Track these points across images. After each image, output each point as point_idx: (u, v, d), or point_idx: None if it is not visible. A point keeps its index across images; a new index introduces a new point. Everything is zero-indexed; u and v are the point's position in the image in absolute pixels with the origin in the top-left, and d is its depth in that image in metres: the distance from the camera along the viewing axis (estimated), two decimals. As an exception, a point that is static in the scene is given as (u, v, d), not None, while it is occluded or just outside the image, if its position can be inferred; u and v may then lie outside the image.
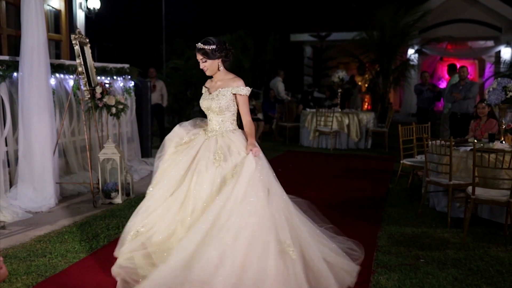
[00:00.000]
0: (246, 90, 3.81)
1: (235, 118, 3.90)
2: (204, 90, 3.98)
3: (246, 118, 3.83)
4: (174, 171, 3.72)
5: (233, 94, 3.80)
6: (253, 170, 3.53)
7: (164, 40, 17.38)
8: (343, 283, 3.55)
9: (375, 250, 4.46)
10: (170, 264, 3.29)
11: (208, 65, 3.82)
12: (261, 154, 3.74)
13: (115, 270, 3.59)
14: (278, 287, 3.26)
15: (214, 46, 3.76)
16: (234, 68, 15.73)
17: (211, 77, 4.00)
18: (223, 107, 3.78)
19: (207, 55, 3.77)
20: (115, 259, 3.91)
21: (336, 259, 3.71)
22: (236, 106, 3.84)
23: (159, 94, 11.23)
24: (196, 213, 3.55)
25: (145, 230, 3.65)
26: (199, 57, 3.82)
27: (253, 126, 3.86)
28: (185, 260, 3.28)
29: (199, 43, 3.80)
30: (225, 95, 3.78)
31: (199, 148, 3.75)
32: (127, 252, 3.61)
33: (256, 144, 3.74)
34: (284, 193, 3.75)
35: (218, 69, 3.86)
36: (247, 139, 3.79)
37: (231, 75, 3.89)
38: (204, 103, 3.85)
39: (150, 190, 3.77)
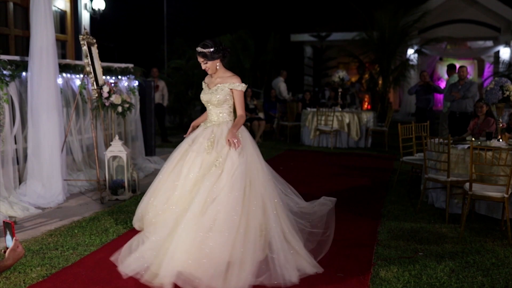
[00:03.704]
0: (241, 86, 4.22)
1: (232, 110, 4.28)
2: (204, 85, 4.38)
3: (239, 112, 4.23)
4: (176, 153, 4.23)
5: (230, 89, 4.19)
6: (234, 167, 3.90)
7: (166, 40, 17.53)
8: (303, 271, 3.82)
9: (375, 244, 4.61)
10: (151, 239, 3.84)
11: (209, 66, 4.21)
12: (248, 142, 4.14)
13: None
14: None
15: (212, 49, 4.13)
16: (235, 68, 15.88)
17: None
18: (221, 100, 4.17)
19: (207, 57, 4.16)
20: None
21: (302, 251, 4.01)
22: (232, 100, 4.23)
23: (160, 94, 11.38)
24: (184, 194, 3.96)
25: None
26: (200, 59, 4.21)
27: (243, 119, 4.22)
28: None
29: (199, 47, 4.17)
30: (223, 90, 4.19)
31: (195, 136, 4.20)
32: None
33: (236, 135, 4.03)
34: (269, 178, 4.16)
35: (217, 68, 4.24)
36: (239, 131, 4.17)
37: (229, 73, 4.28)
38: (204, 97, 4.27)
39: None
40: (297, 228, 4.20)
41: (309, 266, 3.88)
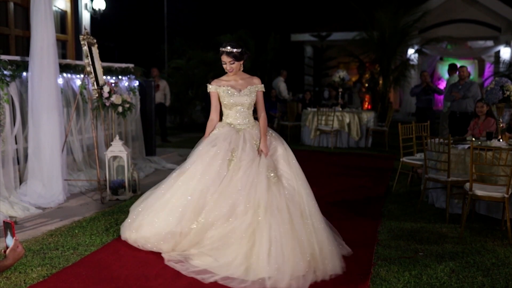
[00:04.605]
0: (263, 87, 4.36)
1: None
2: (222, 88, 4.27)
3: (261, 112, 4.35)
4: (213, 163, 4.10)
5: (256, 91, 4.31)
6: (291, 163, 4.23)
7: (166, 40, 17.53)
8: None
9: (376, 244, 4.61)
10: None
11: (235, 66, 4.23)
12: (283, 140, 4.38)
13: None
14: None
15: (240, 49, 4.20)
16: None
17: (217, 76, 4.44)
18: (253, 102, 4.31)
19: (236, 57, 4.19)
20: (125, 252, 4.17)
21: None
22: None
23: (162, 93, 11.39)
24: (255, 202, 3.93)
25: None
26: (227, 59, 4.19)
27: (266, 120, 4.33)
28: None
29: (228, 47, 4.17)
30: (254, 92, 4.28)
31: (232, 142, 4.18)
32: None
33: (268, 146, 4.22)
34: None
35: (240, 69, 4.32)
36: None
37: (248, 74, 4.38)
38: (237, 100, 4.25)
39: (187, 168, 4.18)
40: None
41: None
